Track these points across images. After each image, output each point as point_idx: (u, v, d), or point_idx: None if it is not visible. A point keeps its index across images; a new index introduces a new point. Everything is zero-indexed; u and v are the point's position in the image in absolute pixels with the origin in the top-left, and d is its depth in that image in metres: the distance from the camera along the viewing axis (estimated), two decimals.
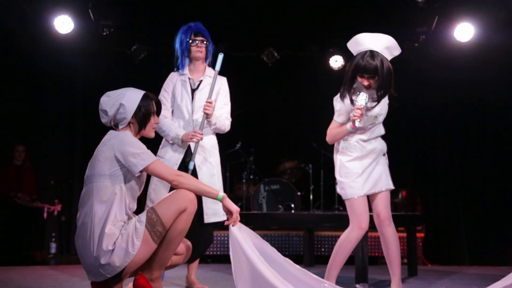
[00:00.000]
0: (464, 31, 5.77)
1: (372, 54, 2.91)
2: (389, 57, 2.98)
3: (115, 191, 2.38)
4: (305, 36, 6.81)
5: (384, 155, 3.20)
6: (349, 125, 3.02)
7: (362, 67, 2.91)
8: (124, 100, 2.48)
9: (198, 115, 3.37)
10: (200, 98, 3.39)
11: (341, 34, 6.80)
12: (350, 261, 3.76)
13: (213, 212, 3.28)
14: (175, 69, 3.51)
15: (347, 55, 6.81)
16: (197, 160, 3.29)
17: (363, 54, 2.93)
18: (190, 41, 3.40)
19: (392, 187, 3.21)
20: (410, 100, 6.53)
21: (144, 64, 6.49)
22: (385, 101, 3.08)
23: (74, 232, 2.46)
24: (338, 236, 5.81)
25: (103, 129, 2.58)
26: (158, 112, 2.60)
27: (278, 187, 6.58)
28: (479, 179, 6.20)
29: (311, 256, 4.76)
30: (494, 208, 5.90)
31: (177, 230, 2.40)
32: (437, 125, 6.81)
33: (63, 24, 5.64)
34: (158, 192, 3.19)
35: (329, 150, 6.84)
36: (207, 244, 3.40)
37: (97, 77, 6.26)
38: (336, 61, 6.76)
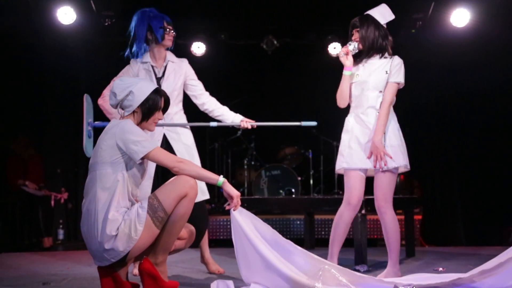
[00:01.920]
0: (460, 17, 5.73)
1: (362, 15, 3.18)
2: (382, 21, 3.18)
3: (118, 178, 2.39)
4: (304, 24, 6.77)
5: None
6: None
7: (351, 23, 3.21)
8: (135, 88, 2.48)
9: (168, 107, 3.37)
10: (167, 87, 3.31)
11: (339, 21, 6.80)
12: (349, 243, 3.80)
13: (200, 191, 3.23)
14: (134, 56, 3.37)
15: (346, 42, 6.82)
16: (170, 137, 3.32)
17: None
18: (166, 29, 3.32)
19: (387, 166, 3.04)
20: (406, 86, 6.46)
21: None
22: (379, 72, 3.09)
23: (80, 219, 2.48)
24: None
25: (107, 118, 2.59)
26: (165, 109, 2.60)
27: (279, 172, 6.59)
28: (474, 162, 6.19)
29: (312, 239, 4.78)
30: (488, 191, 5.90)
31: (179, 215, 2.41)
32: (433, 110, 6.79)
33: (66, 15, 5.60)
34: None
35: (329, 136, 6.93)
36: (204, 222, 3.35)
37: (100, 67, 6.23)
38: (335, 48, 6.71)
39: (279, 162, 6.92)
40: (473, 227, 6.11)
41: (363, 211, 3.54)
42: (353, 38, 3.18)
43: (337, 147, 7.31)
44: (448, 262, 3.91)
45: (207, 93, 3.51)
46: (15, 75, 6.12)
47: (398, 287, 2.43)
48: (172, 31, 3.37)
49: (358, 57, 3.20)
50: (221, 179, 2.48)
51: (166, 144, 3.33)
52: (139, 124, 2.53)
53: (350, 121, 3.21)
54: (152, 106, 2.52)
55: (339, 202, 3.86)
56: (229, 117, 3.42)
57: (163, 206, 2.38)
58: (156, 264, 2.45)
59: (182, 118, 3.46)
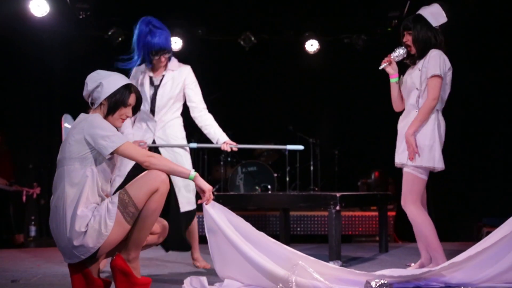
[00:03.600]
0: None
1: (415, 16, 3.15)
2: (434, 23, 3.14)
3: (86, 174, 2.34)
4: (281, 21, 6.78)
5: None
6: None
7: (403, 24, 3.21)
8: (106, 81, 2.44)
9: (161, 114, 3.37)
10: (162, 96, 3.35)
11: (316, 19, 6.84)
12: (324, 239, 3.82)
13: (187, 201, 3.35)
14: (129, 66, 3.37)
15: (323, 39, 6.87)
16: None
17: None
18: (157, 55, 3.31)
19: (403, 161, 3.11)
20: (383, 83, 6.54)
21: (120, 48, 6.35)
22: (415, 71, 3.11)
23: None
24: (313, 216, 5.95)
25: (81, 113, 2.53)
26: (136, 107, 2.55)
27: (255, 168, 6.59)
28: (445, 161, 6.29)
29: (287, 235, 4.79)
30: (460, 187, 6.01)
31: (150, 210, 2.37)
32: None
33: (39, 7, 5.51)
34: None
35: (305, 132, 6.94)
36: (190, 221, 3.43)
37: (74, 61, 6.13)
38: (312, 45, 6.74)
39: (255, 159, 6.91)
40: (445, 223, 6.21)
41: (338, 207, 3.56)
42: (404, 39, 3.17)
43: (313, 143, 7.38)
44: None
45: (202, 107, 3.48)
46: None
47: (369, 281, 2.44)
48: (161, 57, 3.34)
49: (411, 60, 3.18)
50: (192, 173, 2.45)
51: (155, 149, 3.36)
52: (105, 118, 2.47)
53: (399, 121, 3.25)
54: (119, 101, 2.46)
55: (314, 198, 3.87)
56: (215, 137, 3.45)
57: (134, 201, 2.34)
58: (128, 261, 2.41)
59: (175, 125, 3.44)
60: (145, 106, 3.37)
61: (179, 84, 3.41)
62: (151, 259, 3.94)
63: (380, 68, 3.23)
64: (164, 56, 3.34)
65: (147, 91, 3.38)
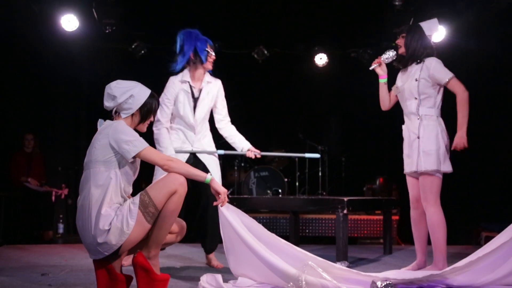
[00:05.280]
0: (437, 33, 5.77)
1: (413, 24, 3.22)
2: (427, 32, 3.14)
3: (110, 176, 2.35)
4: (292, 36, 6.80)
5: (418, 138, 3.08)
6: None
7: (400, 28, 3.23)
8: (135, 92, 2.45)
9: (200, 126, 3.31)
10: (203, 109, 3.30)
11: (325, 34, 6.85)
12: (332, 241, 3.78)
13: None
14: (175, 68, 3.31)
15: (331, 53, 6.85)
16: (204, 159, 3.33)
17: None
18: (210, 52, 3.27)
19: (416, 169, 3.07)
20: None
21: (143, 60, 6.44)
22: (411, 80, 3.09)
23: None
24: (321, 219, 5.91)
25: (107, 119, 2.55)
26: (155, 112, 2.57)
27: (267, 173, 6.57)
28: None
29: (297, 237, 4.76)
30: (459, 192, 5.93)
31: (169, 210, 2.37)
32: None
33: (69, 22, 5.59)
34: None
35: (314, 140, 6.92)
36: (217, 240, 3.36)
37: (100, 72, 6.19)
38: (321, 59, 6.76)
39: (267, 164, 6.90)
40: (446, 227, 6.14)
41: (345, 211, 3.53)
42: (397, 41, 3.18)
43: (321, 150, 7.37)
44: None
45: (228, 120, 3.48)
46: (22, 78, 6.08)
47: (375, 281, 2.42)
48: (213, 54, 3.32)
49: (399, 62, 3.19)
50: (208, 177, 2.45)
51: (195, 159, 3.32)
52: (136, 125, 2.50)
53: (403, 129, 3.23)
54: (150, 109, 2.50)
55: (322, 202, 3.85)
56: (240, 145, 3.43)
57: (154, 202, 2.34)
58: (149, 258, 2.41)
59: (208, 136, 3.43)
60: (189, 119, 3.27)
61: (214, 97, 3.37)
62: (169, 256, 3.94)
63: (371, 68, 3.23)
64: (213, 55, 3.31)
65: (189, 103, 3.29)
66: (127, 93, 2.44)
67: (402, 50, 3.16)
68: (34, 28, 5.63)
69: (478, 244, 5.04)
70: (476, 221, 5.61)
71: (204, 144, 3.37)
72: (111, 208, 2.34)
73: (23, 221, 5.64)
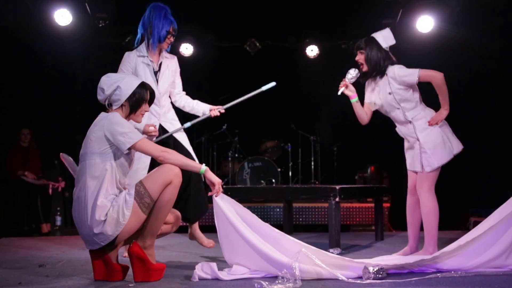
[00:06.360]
0: (425, 23, 5.77)
1: (368, 38, 3.15)
2: (384, 45, 3.13)
3: (106, 168, 2.34)
4: (284, 28, 6.77)
5: (418, 140, 3.09)
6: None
7: (356, 45, 3.20)
8: (122, 83, 2.42)
9: (163, 100, 3.27)
10: (165, 81, 3.25)
11: (316, 26, 6.81)
12: (324, 228, 3.79)
13: None
14: (136, 42, 3.28)
15: (322, 45, 6.83)
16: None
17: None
18: (169, 34, 3.23)
19: (417, 169, 3.11)
20: None
21: None
22: (385, 95, 3.11)
23: None
24: (314, 207, 5.92)
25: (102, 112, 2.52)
26: (150, 102, 2.54)
27: (260, 164, 6.57)
28: None
29: (290, 225, 4.77)
30: (448, 178, 5.96)
31: (164, 201, 2.36)
32: None
33: (62, 17, 5.53)
34: None
35: (306, 131, 6.91)
36: (203, 208, 3.24)
37: (94, 66, 6.12)
38: (312, 50, 6.76)
39: (260, 155, 6.90)
40: None
41: (337, 199, 3.53)
42: (356, 58, 3.18)
43: (314, 141, 7.36)
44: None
45: (183, 92, 3.43)
46: (17, 73, 5.99)
47: (367, 267, 2.42)
48: (173, 38, 3.28)
49: (364, 78, 3.19)
50: (203, 167, 2.44)
51: (163, 132, 3.25)
52: (127, 116, 2.47)
53: (398, 132, 3.25)
54: (139, 99, 2.46)
55: (315, 191, 3.85)
56: (199, 109, 3.35)
57: (149, 192, 2.33)
58: (144, 248, 2.40)
59: (171, 109, 3.38)
60: None
61: (173, 72, 3.33)
62: (165, 246, 3.93)
63: (339, 93, 3.23)
64: (173, 38, 3.27)
65: (152, 76, 3.24)
66: (114, 85, 2.42)
67: (364, 66, 3.15)
68: (28, 23, 5.55)
69: (466, 229, 5.07)
70: (464, 206, 5.64)
71: (170, 117, 3.33)
72: (107, 199, 2.33)
73: (21, 214, 5.61)
